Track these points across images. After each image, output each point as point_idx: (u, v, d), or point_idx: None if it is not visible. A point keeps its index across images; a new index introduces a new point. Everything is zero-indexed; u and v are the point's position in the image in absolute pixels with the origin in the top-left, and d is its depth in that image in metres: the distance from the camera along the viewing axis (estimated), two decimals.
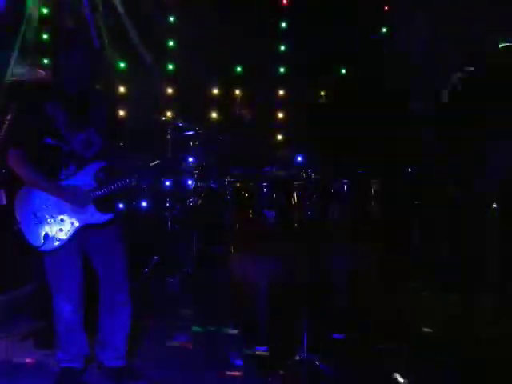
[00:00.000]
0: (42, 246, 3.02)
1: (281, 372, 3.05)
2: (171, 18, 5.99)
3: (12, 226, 3.10)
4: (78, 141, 3.03)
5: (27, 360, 3.39)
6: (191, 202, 4.65)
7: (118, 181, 3.04)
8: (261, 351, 3.09)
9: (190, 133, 5.05)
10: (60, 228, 3.02)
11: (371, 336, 3.58)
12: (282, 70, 6.17)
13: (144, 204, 5.63)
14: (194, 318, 4.05)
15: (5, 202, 4.32)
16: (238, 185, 3.01)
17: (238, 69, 6.09)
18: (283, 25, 6.07)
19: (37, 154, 3.01)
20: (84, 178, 3.05)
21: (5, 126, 4.37)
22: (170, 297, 4.39)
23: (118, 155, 3.23)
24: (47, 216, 3.03)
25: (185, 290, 4.45)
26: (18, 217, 3.06)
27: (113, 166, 3.12)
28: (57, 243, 3.02)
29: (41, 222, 3.03)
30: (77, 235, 3.04)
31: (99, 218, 3.06)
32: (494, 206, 4.02)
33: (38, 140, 2.99)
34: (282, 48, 6.11)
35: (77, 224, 3.04)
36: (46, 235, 3.03)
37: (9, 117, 4.36)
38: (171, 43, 5.94)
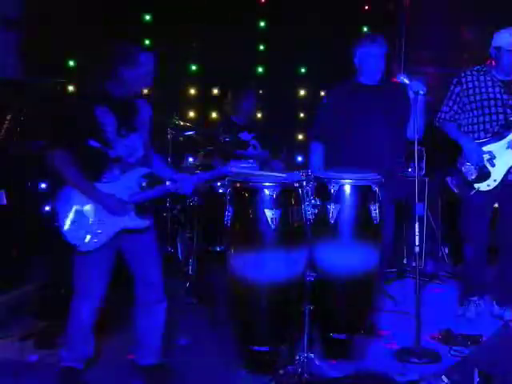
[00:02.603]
0: (80, 245, 3.05)
1: (281, 372, 3.05)
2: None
3: (52, 224, 3.16)
4: (123, 146, 3.12)
5: (27, 360, 3.39)
6: (191, 202, 4.66)
7: (159, 187, 3.13)
8: (261, 351, 3.08)
9: (191, 133, 5.06)
10: (99, 230, 3.06)
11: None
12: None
13: None
14: (193, 318, 4.07)
15: (5, 202, 4.33)
16: (237, 185, 3.00)
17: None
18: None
19: (82, 155, 3.07)
20: (126, 183, 3.12)
21: (5, 126, 4.38)
22: (170, 297, 4.38)
23: (160, 161, 3.36)
24: (87, 217, 3.07)
25: (184, 290, 4.46)
26: (58, 216, 3.09)
27: (154, 173, 3.25)
28: (94, 244, 3.05)
29: (81, 222, 3.07)
30: (114, 238, 3.09)
31: (138, 223, 3.12)
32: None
33: (84, 142, 3.05)
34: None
35: (116, 227, 3.09)
36: (85, 236, 3.06)
37: (9, 117, 4.37)
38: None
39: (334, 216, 3.10)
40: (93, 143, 3.06)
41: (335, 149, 3.81)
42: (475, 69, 4.10)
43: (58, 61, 5.45)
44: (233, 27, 5.84)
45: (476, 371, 2.78)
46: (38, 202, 5.32)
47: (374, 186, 3.16)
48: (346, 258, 3.12)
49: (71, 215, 3.07)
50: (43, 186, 5.38)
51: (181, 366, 3.35)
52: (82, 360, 3.19)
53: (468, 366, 2.87)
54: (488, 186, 3.95)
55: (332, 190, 3.11)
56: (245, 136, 4.84)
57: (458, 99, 4.09)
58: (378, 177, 3.24)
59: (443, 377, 2.93)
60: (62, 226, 3.05)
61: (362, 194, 3.16)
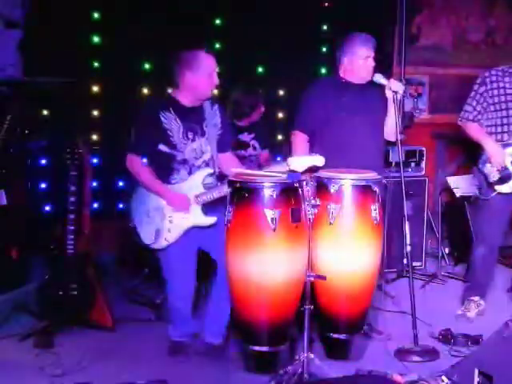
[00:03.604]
0: (153, 243, 3.35)
1: (281, 372, 3.05)
2: None
3: (128, 224, 3.46)
4: (189, 149, 3.36)
5: (27, 360, 3.39)
6: None
7: (223, 186, 3.27)
8: (261, 351, 3.08)
9: None
10: (169, 228, 3.32)
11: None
12: None
13: None
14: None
15: (5, 202, 4.33)
16: (237, 185, 3.00)
17: None
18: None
19: (152, 159, 3.39)
20: (193, 183, 3.35)
21: (5, 126, 4.37)
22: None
23: (233, 161, 3.54)
24: (158, 216, 3.33)
25: None
26: (132, 216, 3.41)
27: (220, 173, 3.46)
28: (165, 242, 3.33)
29: (152, 221, 3.34)
30: (186, 235, 3.34)
31: (206, 220, 3.35)
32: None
33: (153, 147, 3.32)
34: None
35: (185, 226, 3.33)
36: (157, 234, 3.33)
37: (9, 117, 4.37)
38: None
39: (334, 216, 3.10)
40: (162, 147, 3.30)
41: (319, 146, 3.75)
42: (500, 69, 4.03)
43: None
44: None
45: (476, 371, 2.78)
46: (38, 201, 5.33)
47: (374, 186, 3.16)
48: (345, 257, 3.12)
49: (143, 216, 3.35)
50: (43, 185, 5.38)
51: (181, 366, 3.36)
52: (187, 336, 3.57)
53: (468, 366, 2.87)
54: (510, 188, 3.93)
55: (332, 190, 3.10)
56: (244, 137, 4.84)
57: (481, 99, 4.02)
58: (379, 177, 3.24)
59: (443, 377, 2.93)
60: (136, 226, 3.36)
61: (362, 193, 3.16)
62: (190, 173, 3.36)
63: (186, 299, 3.49)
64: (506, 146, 3.95)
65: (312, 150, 3.76)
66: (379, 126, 3.79)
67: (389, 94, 3.63)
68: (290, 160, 3.21)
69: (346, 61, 3.74)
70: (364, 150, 3.66)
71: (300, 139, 3.79)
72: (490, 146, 3.97)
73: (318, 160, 3.21)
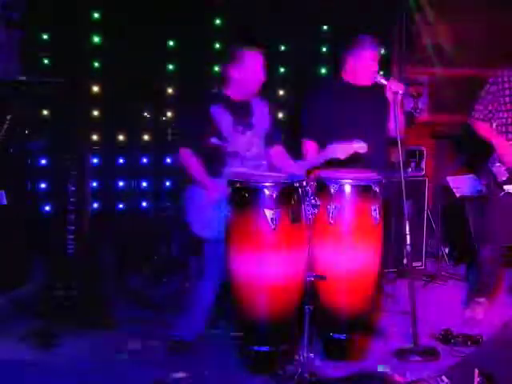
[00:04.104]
0: (205, 235, 3.38)
1: (281, 372, 3.05)
2: None
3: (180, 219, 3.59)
4: (239, 142, 3.44)
5: (27, 360, 3.39)
6: None
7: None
8: (261, 351, 3.08)
9: None
10: (220, 221, 3.24)
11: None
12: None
13: (144, 204, 5.63)
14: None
15: (5, 202, 4.33)
16: (237, 185, 3.00)
17: None
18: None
19: (204, 152, 3.42)
20: None
21: (5, 126, 4.37)
22: (169, 297, 4.39)
23: (275, 156, 3.60)
24: (210, 209, 3.33)
25: (184, 289, 4.45)
26: (186, 209, 3.46)
27: (271, 165, 3.54)
28: (217, 233, 3.26)
29: (205, 214, 3.35)
30: None
31: None
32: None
33: (205, 140, 3.39)
34: None
35: None
36: (208, 225, 3.33)
37: (9, 117, 4.36)
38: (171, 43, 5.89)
39: (334, 216, 3.10)
40: (213, 140, 3.39)
41: (321, 146, 3.74)
42: None
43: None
44: None
45: (476, 371, 2.78)
46: (38, 202, 5.32)
47: (374, 186, 3.16)
48: (345, 257, 3.12)
49: (196, 209, 3.38)
50: (43, 186, 5.38)
51: (180, 366, 3.35)
52: (196, 334, 3.53)
53: (468, 366, 2.87)
54: None
55: (332, 190, 3.10)
56: None
57: (493, 99, 4.01)
58: (379, 177, 3.24)
59: (443, 377, 2.92)
60: (189, 218, 3.40)
61: (362, 193, 3.16)
62: (241, 165, 3.43)
63: (213, 296, 3.49)
64: None
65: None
66: (382, 126, 3.78)
67: (389, 94, 3.63)
68: (332, 147, 3.29)
69: (350, 63, 3.75)
70: (369, 151, 3.66)
71: (310, 146, 3.78)
72: (500, 145, 3.96)
73: (361, 147, 3.26)
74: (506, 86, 4.00)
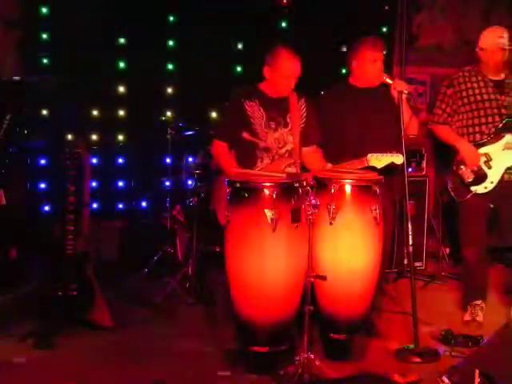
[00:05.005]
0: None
1: (281, 372, 3.04)
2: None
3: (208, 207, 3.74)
4: (272, 138, 3.50)
5: (27, 360, 3.38)
6: (191, 202, 4.65)
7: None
8: (261, 351, 3.08)
9: (190, 133, 5.04)
10: None
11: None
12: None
13: (144, 204, 5.63)
14: (193, 318, 4.06)
15: (4, 202, 4.33)
16: (237, 185, 3.00)
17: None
18: None
19: (237, 146, 3.53)
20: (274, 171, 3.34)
21: (5, 125, 4.37)
22: (170, 297, 4.38)
23: (308, 156, 3.60)
24: None
25: (184, 289, 4.45)
26: (214, 199, 3.64)
27: (303, 165, 3.53)
28: None
29: None
30: None
31: None
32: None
33: (238, 134, 3.48)
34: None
35: None
36: None
37: (8, 117, 4.36)
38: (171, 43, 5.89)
39: (334, 216, 3.10)
40: (246, 135, 3.46)
41: (333, 151, 3.74)
42: (466, 69, 4.02)
43: None
44: None
45: (477, 371, 2.77)
46: (38, 201, 5.32)
47: (374, 186, 3.15)
48: (346, 258, 3.12)
49: (223, 199, 3.28)
50: (42, 185, 5.38)
51: (180, 366, 3.35)
52: None
53: (469, 367, 2.87)
54: (485, 188, 3.91)
55: (332, 190, 3.10)
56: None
57: (450, 101, 4.01)
58: (379, 177, 3.23)
59: (444, 377, 2.92)
60: (215, 208, 3.51)
61: (363, 194, 3.16)
62: (272, 160, 3.49)
63: None
64: (478, 146, 3.92)
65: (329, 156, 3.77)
66: (391, 126, 3.75)
67: (394, 93, 3.63)
68: (370, 157, 3.35)
69: (354, 65, 3.75)
70: (384, 150, 3.65)
71: (321, 155, 3.73)
72: (463, 147, 3.94)
73: (398, 158, 3.29)
74: (463, 87, 3.98)
